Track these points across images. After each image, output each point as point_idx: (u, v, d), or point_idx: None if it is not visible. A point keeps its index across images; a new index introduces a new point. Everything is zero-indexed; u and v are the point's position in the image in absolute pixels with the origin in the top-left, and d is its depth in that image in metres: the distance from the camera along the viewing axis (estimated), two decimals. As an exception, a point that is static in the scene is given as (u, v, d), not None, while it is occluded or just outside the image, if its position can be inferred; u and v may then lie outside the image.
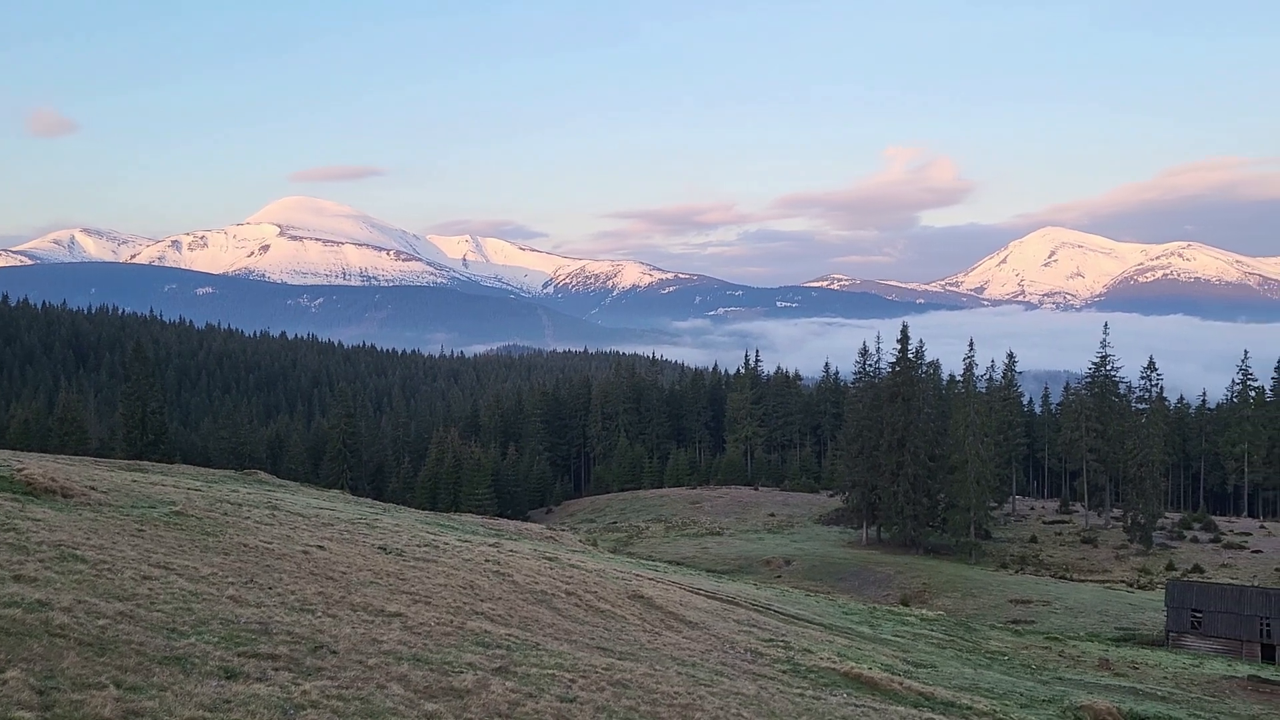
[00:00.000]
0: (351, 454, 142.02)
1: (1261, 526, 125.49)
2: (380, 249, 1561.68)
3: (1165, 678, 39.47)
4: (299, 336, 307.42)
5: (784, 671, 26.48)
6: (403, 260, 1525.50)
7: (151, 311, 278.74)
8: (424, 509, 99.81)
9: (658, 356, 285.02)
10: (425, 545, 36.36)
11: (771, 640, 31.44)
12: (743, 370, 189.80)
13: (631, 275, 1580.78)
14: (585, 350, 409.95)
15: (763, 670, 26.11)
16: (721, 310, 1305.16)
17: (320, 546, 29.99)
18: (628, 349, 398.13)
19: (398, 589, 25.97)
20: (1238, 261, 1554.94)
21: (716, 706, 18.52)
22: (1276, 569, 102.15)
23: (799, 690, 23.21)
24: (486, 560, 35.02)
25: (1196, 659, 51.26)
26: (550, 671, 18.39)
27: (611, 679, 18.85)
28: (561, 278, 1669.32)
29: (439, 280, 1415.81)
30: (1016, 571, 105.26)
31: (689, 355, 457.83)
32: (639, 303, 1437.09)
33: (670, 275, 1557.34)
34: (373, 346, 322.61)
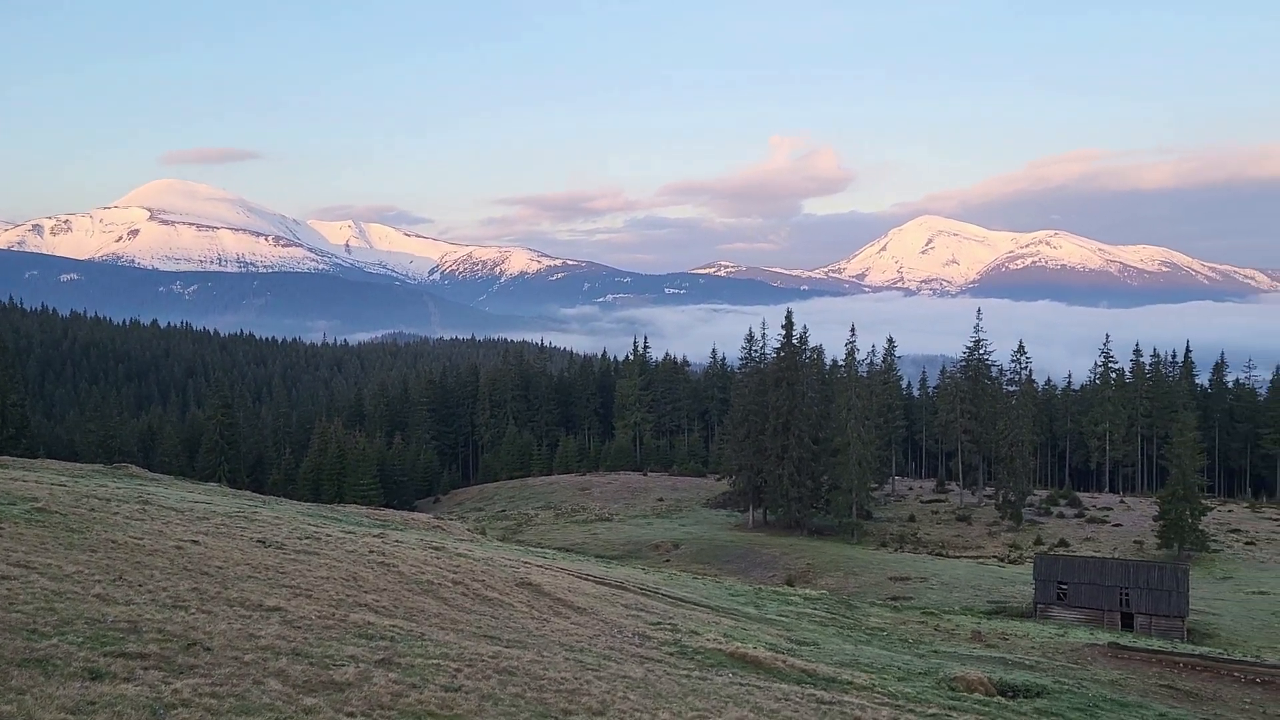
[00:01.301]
0: (229, 446, 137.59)
1: (1121, 501, 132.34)
2: (258, 234, 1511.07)
3: (1033, 647, 41.31)
4: (172, 325, 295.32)
5: (671, 654, 26.77)
6: (282, 246, 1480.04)
7: (11, 300, 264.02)
8: (307, 501, 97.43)
9: (546, 344, 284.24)
10: (307, 538, 35.52)
11: (659, 623, 31.74)
12: (631, 357, 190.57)
13: (520, 262, 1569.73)
14: (473, 338, 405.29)
15: (650, 653, 26.34)
16: (610, 297, 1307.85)
17: (195, 541, 28.99)
18: (516, 336, 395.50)
19: (277, 583, 25.30)
20: (1100, 250, 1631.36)
21: (603, 690, 18.61)
22: (1135, 541, 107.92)
23: (685, 671, 23.49)
24: (371, 551, 34.41)
25: (1062, 629, 53.85)
26: (435, 661, 18.19)
27: (498, 667, 18.76)
28: (448, 264, 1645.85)
29: (321, 267, 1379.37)
30: (896, 550, 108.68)
31: (578, 342, 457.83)
32: (527, 290, 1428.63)
33: (559, 262, 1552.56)
34: (251, 335, 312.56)
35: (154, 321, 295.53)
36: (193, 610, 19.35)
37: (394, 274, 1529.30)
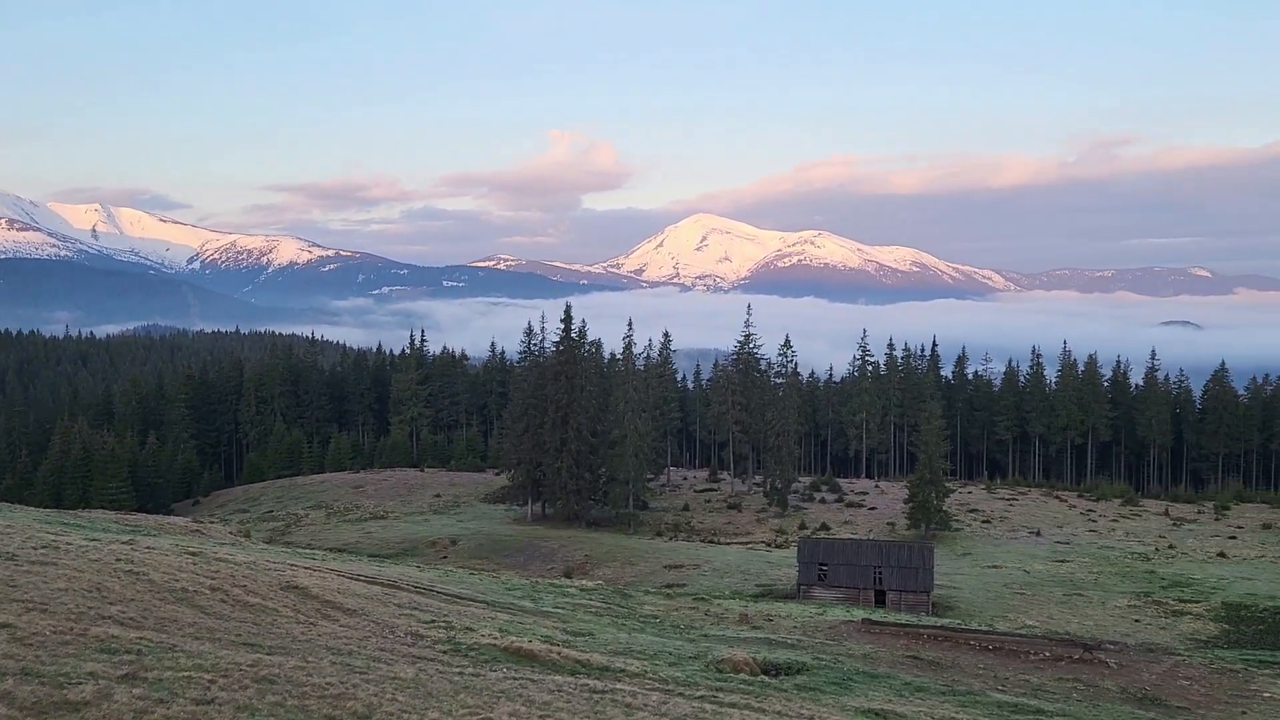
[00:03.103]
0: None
1: (877, 486, 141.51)
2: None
3: (795, 626, 43.49)
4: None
5: (445, 652, 26.39)
6: (17, 230, 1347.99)
7: None
8: (46, 507, 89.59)
9: (318, 337, 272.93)
10: (44, 546, 32.61)
11: (433, 621, 31.22)
12: (408, 350, 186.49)
13: (289, 251, 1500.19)
14: (238, 330, 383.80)
15: (423, 652, 25.87)
16: (386, 289, 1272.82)
17: (-94, 556, 26.01)
18: (285, 329, 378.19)
19: (7, 597, 23.10)
20: (859, 249, 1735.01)
21: (371, 693, 18.11)
22: (888, 523, 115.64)
23: (459, 669, 23.21)
24: (118, 559, 31.99)
25: (821, 608, 57.02)
26: (187, 674, 17.13)
27: (257, 675, 17.88)
28: (210, 253, 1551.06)
29: (63, 253, 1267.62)
30: (671, 539, 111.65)
31: (351, 335, 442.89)
32: (297, 281, 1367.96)
33: (331, 252, 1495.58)
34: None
35: None
36: (-100, 633, 17.37)
37: (148, 262, 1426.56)
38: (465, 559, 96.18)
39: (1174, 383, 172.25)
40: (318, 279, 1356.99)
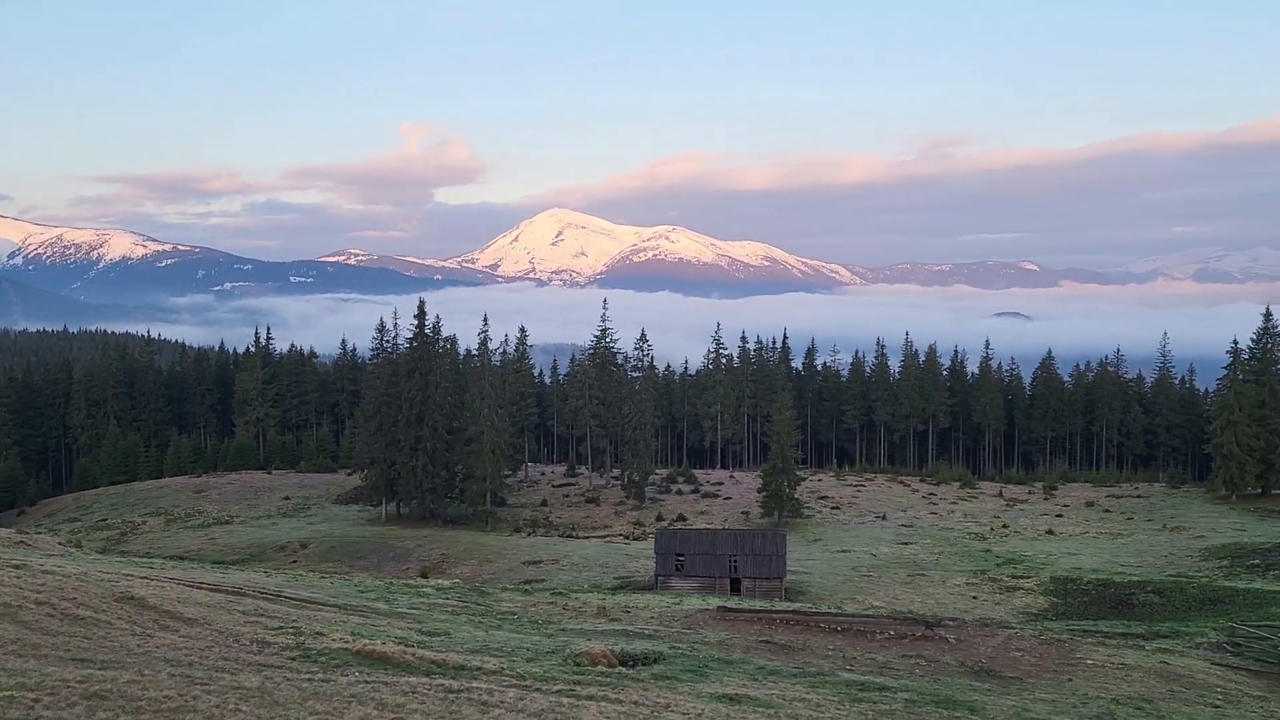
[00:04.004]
0: None
1: (731, 476, 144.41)
2: None
3: (652, 617, 43.98)
4: None
5: (293, 658, 25.57)
6: None
7: None
8: None
9: (154, 335, 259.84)
10: None
11: (281, 628, 30.19)
12: (253, 349, 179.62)
13: (121, 246, 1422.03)
14: (66, 329, 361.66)
15: (270, 660, 24.99)
16: (228, 285, 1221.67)
17: None
18: (119, 328, 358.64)
19: None
20: (712, 244, 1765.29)
21: (213, 705, 17.37)
22: (743, 512, 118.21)
23: (308, 675, 22.52)
24: (-70, 576, 29.68)
25: (678, 597, 57.85)
26: (8, 693, 16.06)
27: (87, 692, 16.90)
28: (33, 247, 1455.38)
29: None
30: (529, 534, 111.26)
31: (191, 334, 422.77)
32: (131, 276, 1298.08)
33: (168, 247, 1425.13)
34: None
35: None
36: None
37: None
38: (316, 562, 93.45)
39: (1006, 371, 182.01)
40: (154, 275, 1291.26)
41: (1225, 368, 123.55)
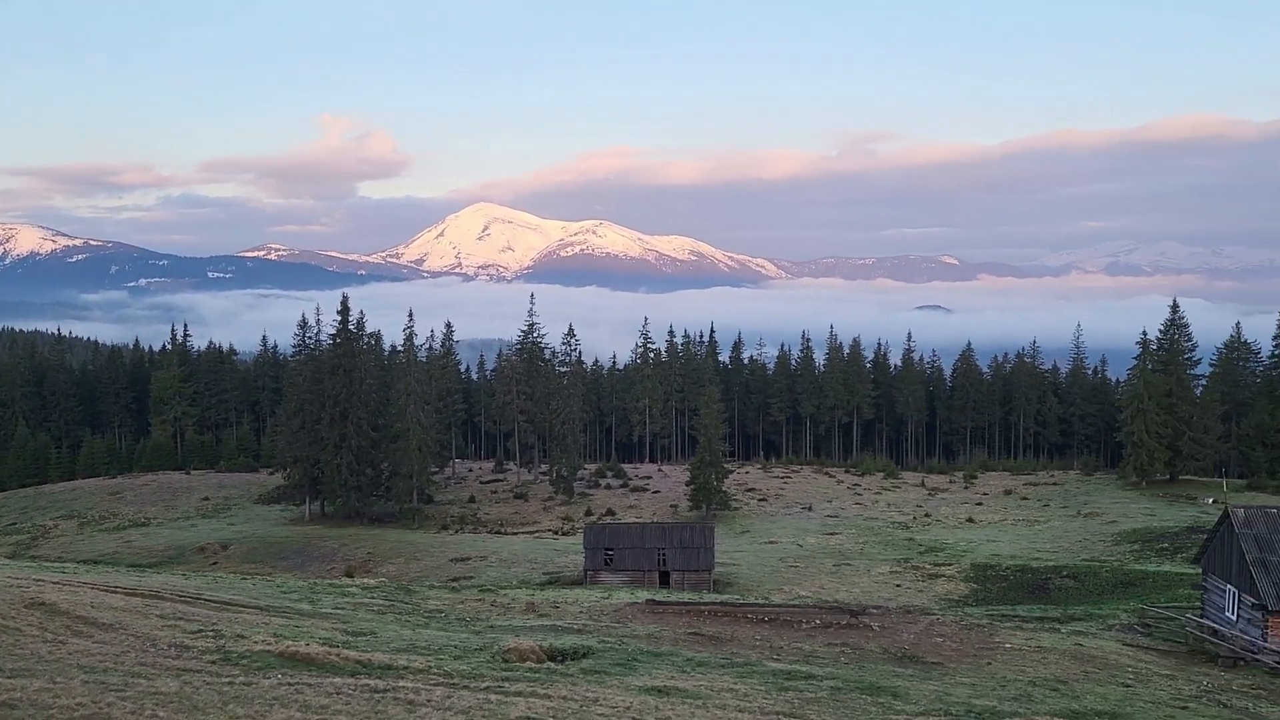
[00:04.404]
0: None
1: (660, 470, 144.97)
2: None
3: (582, 612, 43.98)
4: None
5: (213, 662, 25.00)
6: None
7: None
8: None
9: (65, 333, 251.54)
10: None
11: (200, 631, 29.50)
12: (170, 346, 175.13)
13: (29, 241, 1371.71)
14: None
15: (189, 664, 24.40)
16: (143, 281, 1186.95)
17: None
18: (26, 325, 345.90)
19: None
20: (639, 239, 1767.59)
21: (128, 711, 16.93)
22: (671, 505, 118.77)
23: (229, 679, 22.06)
24: None
25: (607, 591, 57.94)
26: (-91, 707, 15.44)
27: (-5, 702, 16.33)
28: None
29: None
30: (457, 531, 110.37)
31: (104, 331, 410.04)
32: (39, 272, 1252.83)
33: (79, 242, 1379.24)
34: None
35: None
36: None
37: None
38: (238, 564, 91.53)
39: (928, 363, 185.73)
40: (64, 270, 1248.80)
41: (1135, 358, 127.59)
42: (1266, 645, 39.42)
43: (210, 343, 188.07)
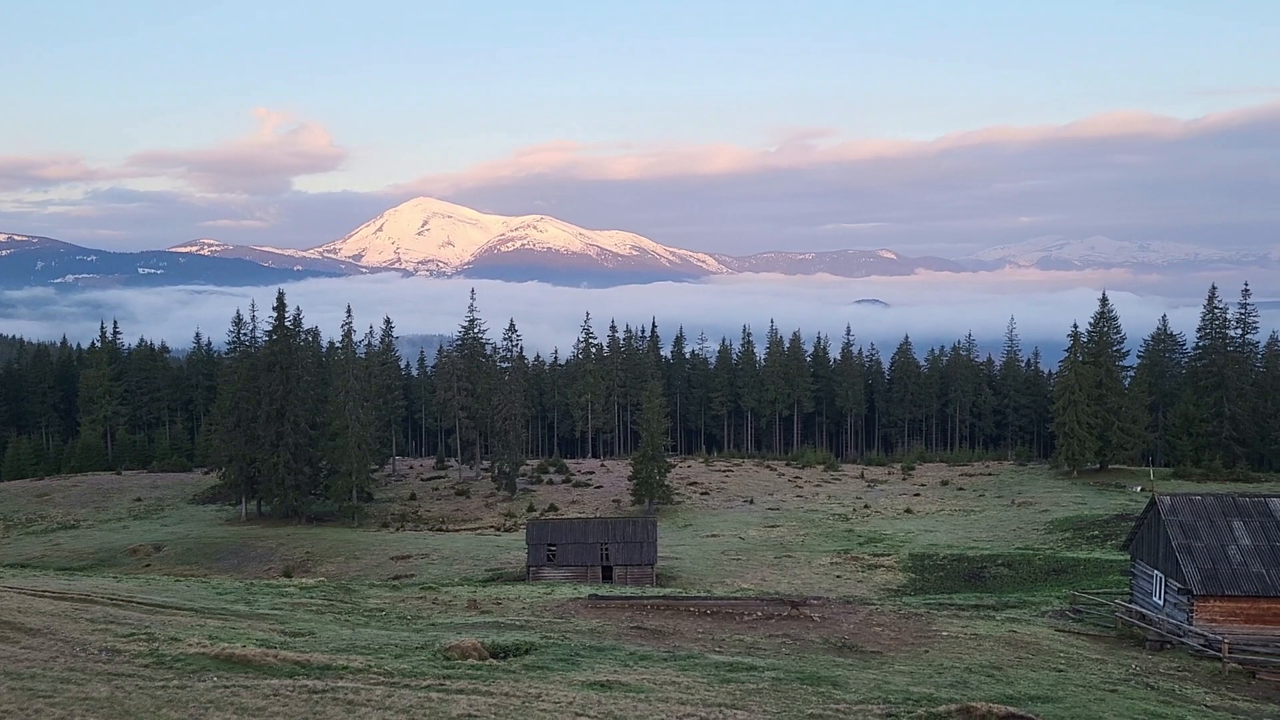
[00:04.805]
0: None
1: (603, 465, 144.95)
2: None
3: (524, 608, 43.83)
4: None
5: (146, 666, 24.49)
6: None
7: None
8: None
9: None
10: None
11: (133, 634, 28.86)
12: (99, 344, 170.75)
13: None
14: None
15: (121, 669, 23.87)
16: (70, 278, 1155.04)
17: None
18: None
19: None
20: (580, 234, 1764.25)
21: (57, 717, 16.54)
22: (614, 500, 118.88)
23: (162, 683, 21.63)
24: None
25: (550, 587, 57.83)
26: None
27: (-85, 712, 15.84)
28: None
29: None
30: (398, 529, 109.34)
31: (29, 329, 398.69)
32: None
33: (3, 237, 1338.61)
34: None
35: None
36: None
37: None
38: (172, 565, 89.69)
39: (867, 357, 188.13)
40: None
41: (1066, 350, 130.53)
42: (1191, 628, 40.61)
43: (142, 340, 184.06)
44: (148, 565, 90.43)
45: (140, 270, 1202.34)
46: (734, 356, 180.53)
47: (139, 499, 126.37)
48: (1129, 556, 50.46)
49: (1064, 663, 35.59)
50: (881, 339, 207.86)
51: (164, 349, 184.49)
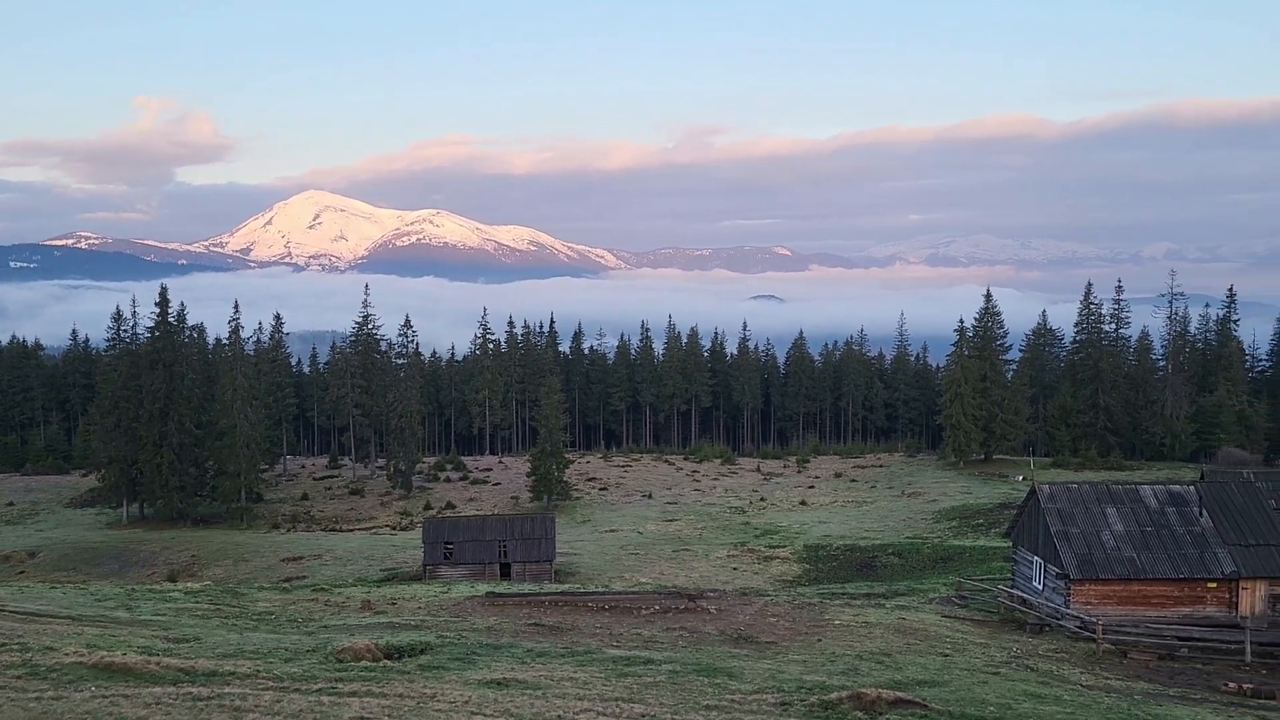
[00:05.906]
0: None
1: (501, 462, 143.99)
2: None
3: (420, 607, 43.28)
4: None
5: (18, 677, 23.40)
6: None
7: None
8: None
9: None
10: None
11: (4, 644, 27.54)
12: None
13: None
14: None
15: (-10, 681, 22.78)
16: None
17: None
18: None
19: None
20: (478, 229, 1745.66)
21: (-82, 736, 15.68)
22: (513, 497, 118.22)
23: (37, 694, 20.73)
24: None
25: (447, 586, 57.17)
26: None
27: None
28: None
29: None
30: (289, 530, 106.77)
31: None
32: None
33: None
34: None
35: None
36: None
37: None
38: (48, 572, 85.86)
39: (763, 351, 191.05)
40: None
41: (953, 345, 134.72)
42: (1069, 611, 42.43)
43: (14, 337, 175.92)
44: (21, 572, 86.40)
45: (12, 264, 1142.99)
46: (632, 352, 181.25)
47: (11, 503, 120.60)
48: (1011, 543, 52.42)
49: (950, 648, 36.78)
50: (777, 334, 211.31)
51: (38, 346, 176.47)
